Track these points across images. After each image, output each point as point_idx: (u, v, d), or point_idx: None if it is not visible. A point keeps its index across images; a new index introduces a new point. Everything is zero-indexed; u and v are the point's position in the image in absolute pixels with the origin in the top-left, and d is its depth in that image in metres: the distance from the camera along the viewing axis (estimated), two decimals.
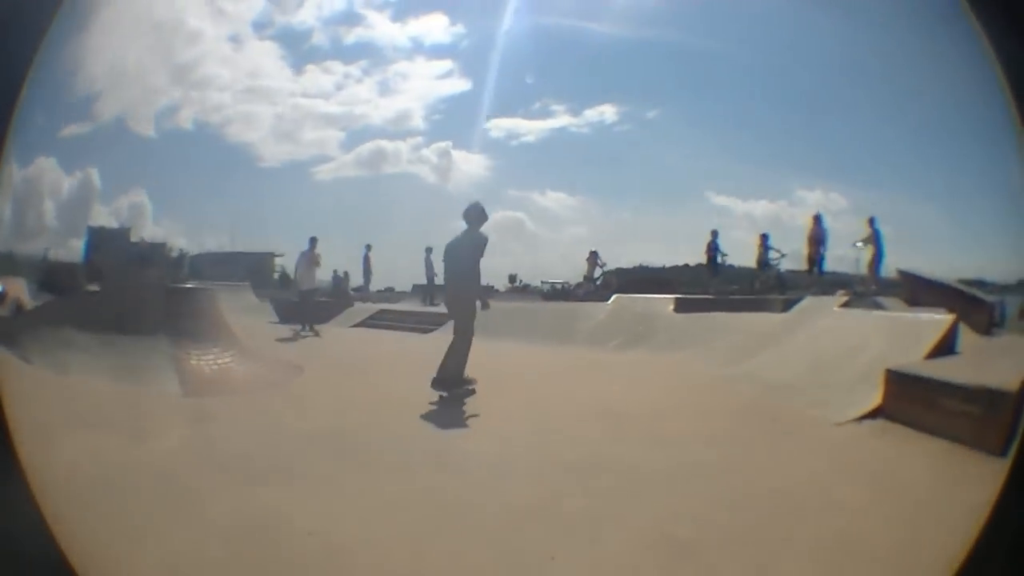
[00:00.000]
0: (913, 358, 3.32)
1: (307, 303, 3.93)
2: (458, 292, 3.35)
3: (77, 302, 3.59)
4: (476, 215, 3.31)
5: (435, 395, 3.37)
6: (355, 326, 4.33)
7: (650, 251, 3.64)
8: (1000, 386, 2.62)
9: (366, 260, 4.25)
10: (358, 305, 4.50)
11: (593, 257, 4.25)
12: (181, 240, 3.81)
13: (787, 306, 4.14)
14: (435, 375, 3.40)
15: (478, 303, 3.42)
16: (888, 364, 3.19)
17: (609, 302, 3.93)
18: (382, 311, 4.40)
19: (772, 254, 4.12)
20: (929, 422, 2.86)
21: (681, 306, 4.28)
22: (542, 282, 4.37)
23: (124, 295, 3.48)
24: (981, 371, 3.02)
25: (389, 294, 4.58)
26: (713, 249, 3.78)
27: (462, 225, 3.17)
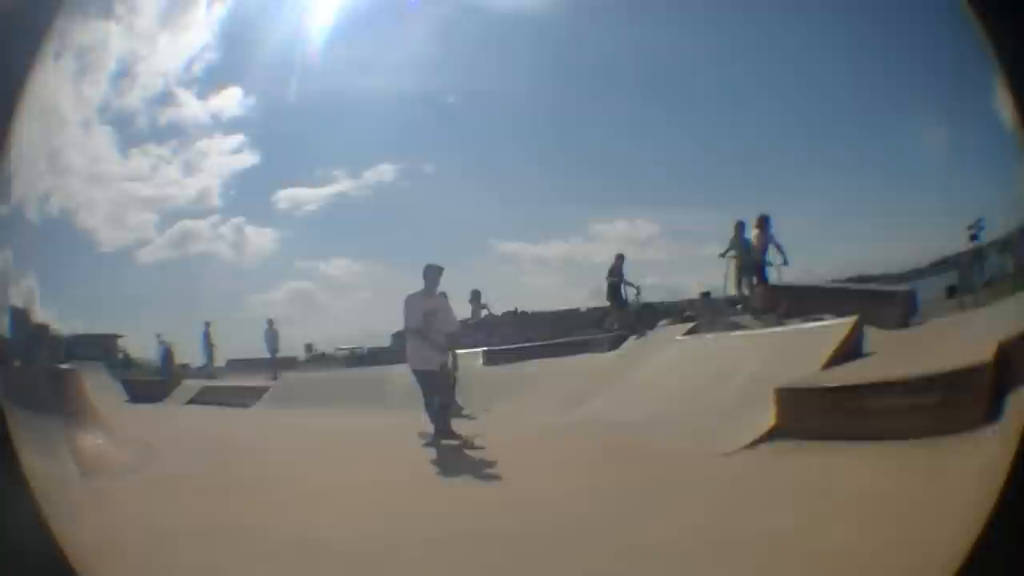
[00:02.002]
0: (806, 370, 3.19)
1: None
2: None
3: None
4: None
5: None
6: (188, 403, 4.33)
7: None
8: (962, 365, 2.69)
9: (206, 337, 4.14)
10: (191, 383, 4.48)
11: (475, 298, 3.96)
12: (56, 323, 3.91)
13: (616, 343, 3.72)
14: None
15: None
16: (772, 382, 3.05)
17: None
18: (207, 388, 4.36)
19: (628, 289, 3.71)
20: (851, 428, 2.85)
21: (491, 358, 4.12)
22: (337, 349, 4.14)
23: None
24: (916, 361, 3.01)
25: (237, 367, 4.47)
26: (617, 276, 3.44)
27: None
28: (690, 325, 3.68)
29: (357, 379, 3.87)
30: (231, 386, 4.21)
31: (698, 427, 3.20)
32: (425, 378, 3.65)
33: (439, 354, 3.71)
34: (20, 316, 3.42)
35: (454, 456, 3.50)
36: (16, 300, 3.38)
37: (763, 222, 3.40)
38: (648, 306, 3.70)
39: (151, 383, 4.44)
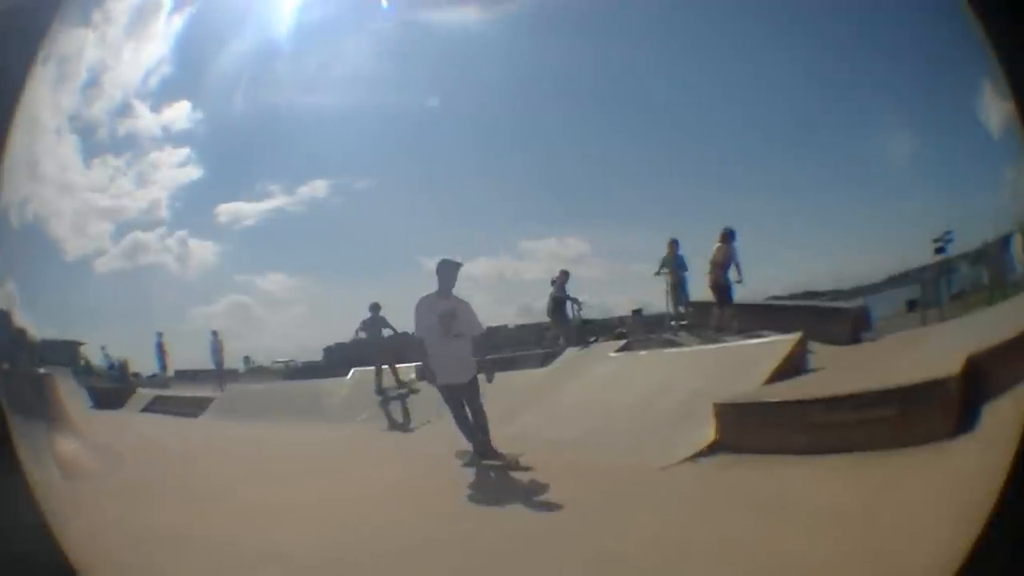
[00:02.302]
0: (747, 386, 3.27)
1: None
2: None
3: None
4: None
5: None
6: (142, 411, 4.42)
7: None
8: (923, 379, 2.89)
9: (159, 347, 4.22)
10: (145, 391, 4.55)
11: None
12: (32, 328, 4.08)
13: (547, 360, 3.65)
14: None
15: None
16: (712, 398, 3.12)
17: (348, 376, 3.72)
18: (159, 398, 4.43)
19: (568, 305, 3.65)
20: (797, 443, 3.01)
21: (424, 375, 3.99)
22: (273, 362, 4.14)
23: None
24: (869, 375, 3.12)
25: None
26: (561, 292, 3.42)
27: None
28: (623, 342, 3.62)
29: (297, 391, 3.90)
30: (181, 396, 4.28)
31: (636, 442, 3.17)
32: (452, 393, 3.40)
33: (463, 365, 3.40)
34: (4, 319, 3.69)
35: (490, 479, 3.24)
36: (2, 303, 3.65)
37: (727, 236, 3.34)
38: (588, 322, 3.64)
39: (110, 390, 4.54)
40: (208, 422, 4.18)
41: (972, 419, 2.89)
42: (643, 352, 3.62)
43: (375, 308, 4.09)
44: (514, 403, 3.60)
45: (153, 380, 4.75)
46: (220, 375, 4.46)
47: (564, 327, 3.91)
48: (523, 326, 3.75)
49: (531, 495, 3.03)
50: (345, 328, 3.68)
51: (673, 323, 3.60)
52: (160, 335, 4.42)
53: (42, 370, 3.88)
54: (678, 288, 3.77)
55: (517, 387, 3.79)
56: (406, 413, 3.56)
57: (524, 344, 3.91)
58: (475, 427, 3.26)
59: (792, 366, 3.26)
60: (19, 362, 3.97)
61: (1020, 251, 3.69)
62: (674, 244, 3.77)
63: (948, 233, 3.49)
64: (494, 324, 3.63)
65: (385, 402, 3.83)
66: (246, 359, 4.34)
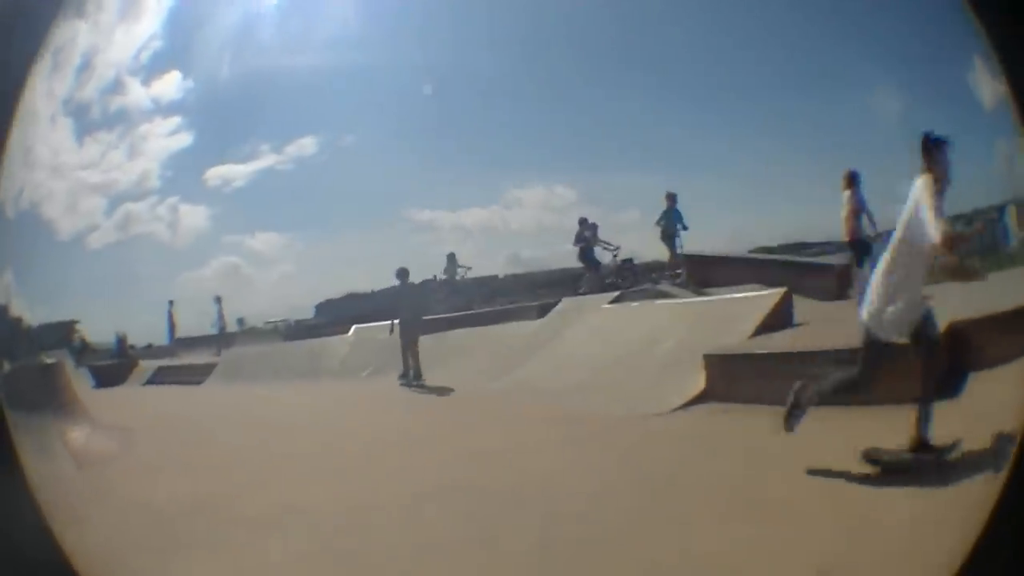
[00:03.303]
0: (734, 338, 3.27)
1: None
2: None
3: None
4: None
5: None
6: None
7: (357, 279, 3.41)
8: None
9: (169, 317, 4.24)
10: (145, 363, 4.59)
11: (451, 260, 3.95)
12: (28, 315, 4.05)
13: (543, 312, 3.69)
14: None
15: None
16: (701, 349, 3.16)
17: (350, 333, 3.74)
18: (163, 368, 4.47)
19: (599, 248, 3.63)
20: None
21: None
22: (265, 323, 4.18)
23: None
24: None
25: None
26: (580, 240, 3.43)
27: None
28: (615, 294, 3.65)
29: (297, 351, 3.95)
30: (184, 365, 4.31)
31: (628, 392, 3.26)
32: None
33: None
34: (2, 312, 3.47)
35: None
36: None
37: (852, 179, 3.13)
38: (628, 261, 3.66)
39: (110, 367, 4.53)
40: (213, 388, 4.22)
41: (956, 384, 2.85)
42: (635, 304, 3.74)
43: (403, 275, 4.20)
44: (509, 355, 3.67)
45: (151, 351, 4.79)
46: (221, 340, 4.51)
47: (593, 274, 3.92)
48: (515, 276, 3.78)
49: (532, 442, 3.17)
50: (335, 285, 3.73)
51: (668, 274, 3.63)
52: (171, 303, 4.47)
53: (49, 360, 3.82)
54: (670, 241, 3.79)
55: (512, 339, 3.89)
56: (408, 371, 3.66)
57: (515, 294, 3.95)
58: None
59: (778, 319, 3.33)
60: (19, 356, 3.82)
61: (1015, 223, 3.67)
62: (671, 198, 3.78)
63: None
64: (485, 274, 3.67)
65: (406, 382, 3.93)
66: (240, 321, 4.37)
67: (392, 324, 3.99)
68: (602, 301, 3.75)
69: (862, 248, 3.35)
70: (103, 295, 3.85)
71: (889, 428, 2.78)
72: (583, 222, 3.56)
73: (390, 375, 3.86)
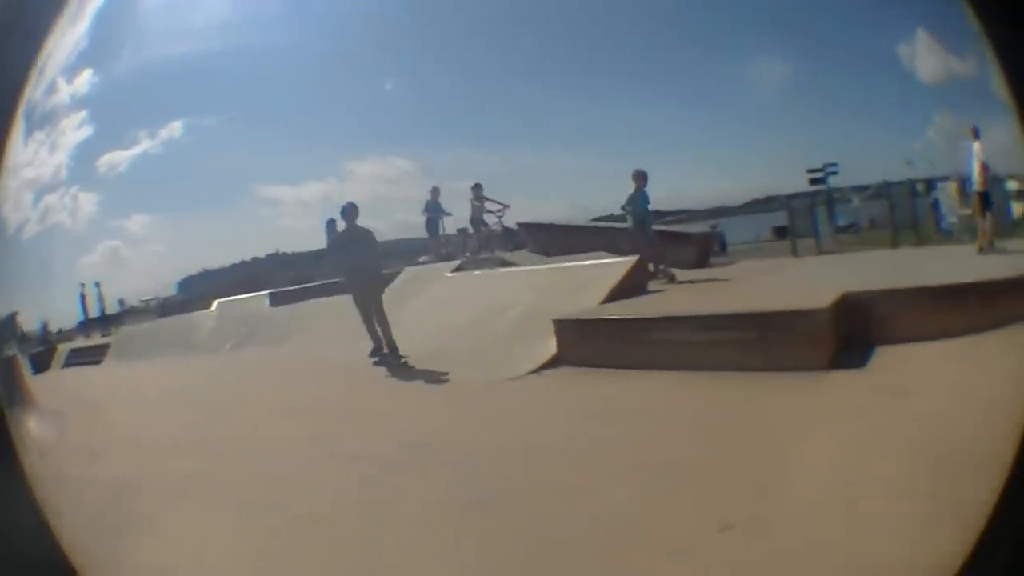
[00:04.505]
0: (585, 305, 3.26)
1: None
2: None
3: None
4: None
5: None
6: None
7: (213, 254, 3.51)
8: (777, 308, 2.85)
9: (82, 299, 4.46)
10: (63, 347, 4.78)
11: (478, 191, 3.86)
12: None
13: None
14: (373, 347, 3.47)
15: None
16: (550, 315, 3.14)
17: (213, 308, 3.83)
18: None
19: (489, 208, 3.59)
20: (637, 359, 2.96)
21: (276, 300, 4.13)
22: (141, 301, 4.31)
23: None
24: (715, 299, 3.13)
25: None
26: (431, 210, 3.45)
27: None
28: (456, 263, 3.62)
29: (172, 328, 4.08)
30: (85, 347, 4.52)
31: (481, 357, 3.28)
32: None
33: None
34: None
35: None
36: None
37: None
38: (508, 230, 3.63)
39: (39, 353, 4.75)
40: (110, 367, 4.43)
41: (859, 358, 2.80)
42: (478, 272, 3.81)
43: (349, 214, 3.34)
44: (356, 324, 3.68)
45: (60, 336, 5.05)
46: (108, 321, 4.74)
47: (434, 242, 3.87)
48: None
49: (395, 409, 3.17)
50: (195, 261, 3.89)
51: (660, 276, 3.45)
52: (82, 286, 4.72)
53: (10, 353, 4.06)
54: (642, 226, 3.54)
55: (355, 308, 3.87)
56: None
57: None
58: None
59: (631, 287, 3.34)
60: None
61: (953, 199, 3.48)
62: (640, 176, 3.50)
63: (830, 166, 3.33)
64: (323, 246, 3.74)
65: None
66: (120, 301, 4.59)
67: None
68: (444, 270, 3.75)
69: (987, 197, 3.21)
70: (34, 284, 4.03)
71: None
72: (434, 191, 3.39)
73: (255, 347, 4.01)
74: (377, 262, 3.51)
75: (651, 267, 3.37)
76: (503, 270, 3.58)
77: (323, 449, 3.02)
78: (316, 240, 3.31)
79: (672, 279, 3.38)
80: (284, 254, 3.70)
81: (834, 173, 3.27)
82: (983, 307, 2.97)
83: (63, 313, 4.29)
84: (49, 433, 4.23)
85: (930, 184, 3.49)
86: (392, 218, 3.45)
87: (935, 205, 3.52)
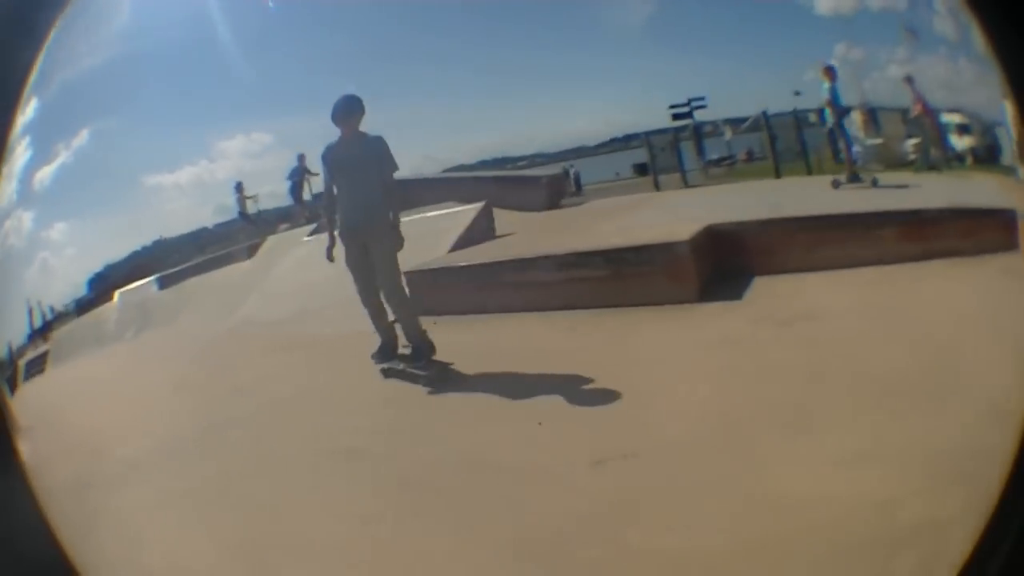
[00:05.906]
0: (433, 255, 3.46)
1: None
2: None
3: None
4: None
5: None
6: None
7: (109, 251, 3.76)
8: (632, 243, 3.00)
9: (29, 315, 4.78)
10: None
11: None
12: None
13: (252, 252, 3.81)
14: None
15: None
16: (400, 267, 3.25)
17: (115, 300, 4.07)
18: None
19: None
20: (493, 303, 3.16)
21: (164, 282, 4.23)
22: (63, 305, 4.56)
23: None
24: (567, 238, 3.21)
25: None
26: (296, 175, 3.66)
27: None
28: (313, 226, 3.75)
29: (86, 325, 4.34)
30: (32, 358, 4.85)
31: (343, 313, 3.44)
32: None
33: None
34: None
35: None
36: None
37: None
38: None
39: (11, 376, 5.08)
40: (54, 373, 4.73)
41: (733, 290, 2.89)
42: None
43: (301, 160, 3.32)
44: (230, 296, 3.86)
45: (19, 353, 5.39)
46: (43, 330, 5.00)
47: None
48: (222, 224, 4.01)
49: (272, 370, 3.42)
50: (99, 258, 4.13)
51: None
52: (28, 301, 5.04)
53: None
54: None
55: (229, 281, 4.06)
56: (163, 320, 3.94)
57: (227, 240, 4.16)
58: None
59: (480, 234, 3.49)
60: None
61: (860, 129, 3.48)
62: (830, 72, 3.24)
63: (699, 99, 3.31)
64: (195, 228, 3.94)
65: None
66: (51, 309, 4.90)
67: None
68: (302, 235, 3.92)
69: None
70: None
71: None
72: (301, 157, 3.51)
73: (152, 331, 4.19)
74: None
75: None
76: None
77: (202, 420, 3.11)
78: (193, 222, 3.59)
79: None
80: (167, 239, 3.96)
81: (702, 107, 3.21)
82: (863, 239, 2.94)
83: (21, 332, 4.64)
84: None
85: (823, 114, 3.42)
86: (262, 189, 3.67)
87: (831, 135, 3.48)
